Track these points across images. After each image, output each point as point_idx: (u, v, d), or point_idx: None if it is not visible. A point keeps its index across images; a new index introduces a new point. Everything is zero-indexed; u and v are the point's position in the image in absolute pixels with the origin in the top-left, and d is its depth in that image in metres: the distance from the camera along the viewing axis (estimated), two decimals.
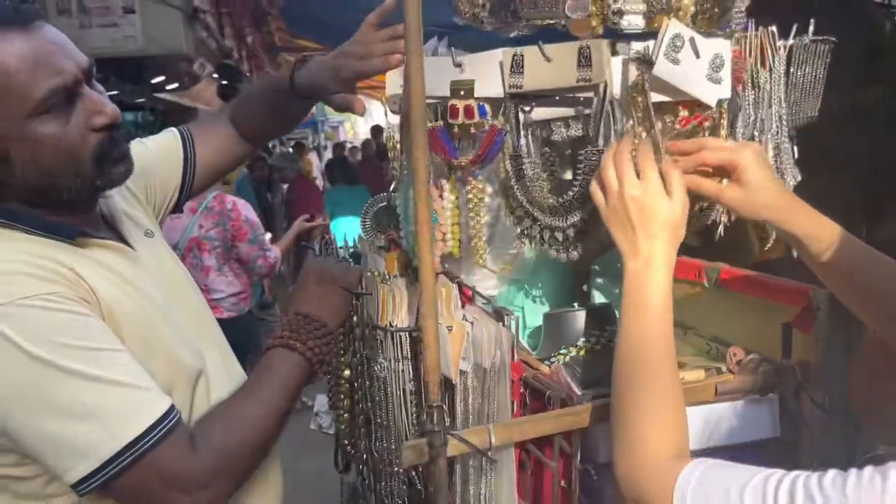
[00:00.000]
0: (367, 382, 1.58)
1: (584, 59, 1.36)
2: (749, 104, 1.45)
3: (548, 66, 1.39)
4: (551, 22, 1.47)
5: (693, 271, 1.62)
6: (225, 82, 8.30)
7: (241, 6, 8.26)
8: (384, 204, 2.24)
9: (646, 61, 1.35)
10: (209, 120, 1.71)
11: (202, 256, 3.84)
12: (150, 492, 1.12)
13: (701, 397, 1.31)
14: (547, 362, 1.44)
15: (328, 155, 13.80)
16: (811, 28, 1.43)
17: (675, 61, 1.34)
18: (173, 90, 8.09)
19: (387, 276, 1.64)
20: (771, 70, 1.44)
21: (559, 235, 1.39)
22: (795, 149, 1.52)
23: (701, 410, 1.32)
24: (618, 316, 1.56)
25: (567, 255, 1.41)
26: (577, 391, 1.28)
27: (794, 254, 1.48)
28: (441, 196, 1.47)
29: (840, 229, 1.13)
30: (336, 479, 2.02)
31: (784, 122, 1.48)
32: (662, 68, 1.33)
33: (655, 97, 1.36)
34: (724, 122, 1.44)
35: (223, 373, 1.43)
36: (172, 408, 1.15)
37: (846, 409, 1.30)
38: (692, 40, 1.34)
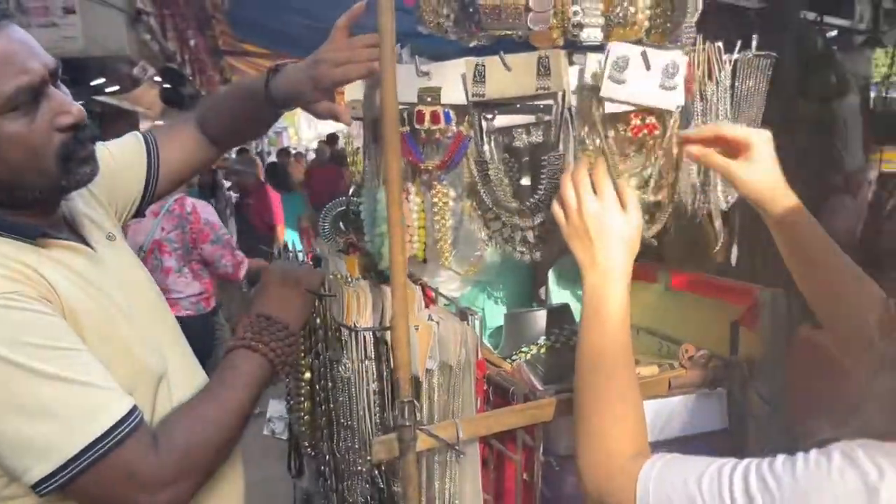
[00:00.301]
0: (330, 384, 1.59)
1: (544, 69, 1.42)
2: (698, 114, 1.54)
3: (509, 75, 1.44)
4: (509, 32, 1.53)
5: (646, 274, 1.70)
6: (167, 86, 8.14)
7: (185, 8, 8.14)
8: (343, 208, 2.26)
9: (594, 88, 1.44)
10: (175, 123, 1.69)
11: (163, 258, 3.89)
12: (112, 492, 1.11)
13: (655, 391, 1.38)
14: (509, 360, 1.49)
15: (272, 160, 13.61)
16: (754, 44, 1.53)
17: (620, 81, 1.42)
18: (113, 93, 7.89)
19: (349, 279, 1.66)
20: (717, 83, 1.52)
21: (528, 236, 1.44)
22: None
23: (655, 404, 1.39)
24: (576, 316, 1.63)
25: (531, 256, 1.46)
26: (539, 386, 1.33)
27: (733, 262, 1.58)
28: (407, 199, 1.50)
29: (816, 224, 1.23)
30: (286, 486, 2.02)
31: None
32: (609, 90, 1.41)
33: (612, 106, 1.44)
34: (675, 131, 1.51)
35: (185, 375, 1.42)
36: (135, 408, 1.15)
37: (787, 402, 1.39)
38: (643, 54, 1.42)
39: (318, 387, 1.66)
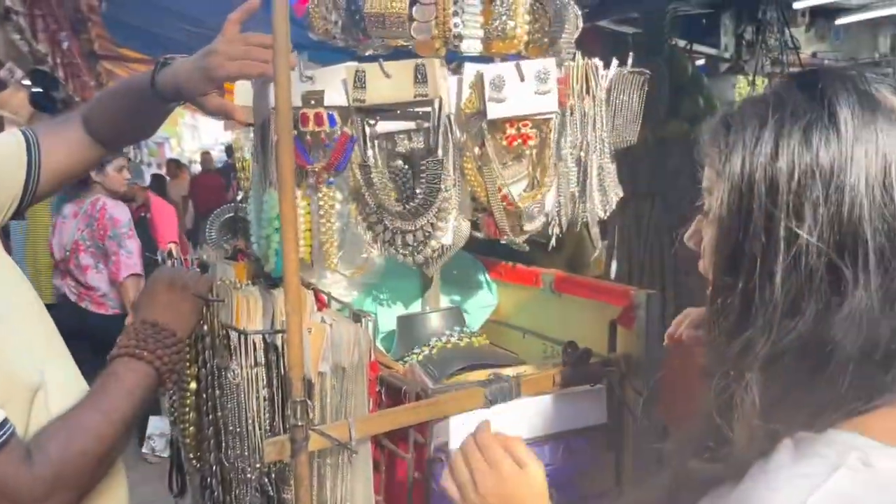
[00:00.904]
0: (218, 392, 1.57)
1: (421, 76, 1.47)
2: (577, 127, 1.62)
3: (388, 81, 1.48)
4: (404, 43, 1.57)
5: (531, 277, 1.77)
6: (37, 90, 7.66)
7: (58, 9, 7.70)
8: (231, 215, 2.22)
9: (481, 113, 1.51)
10: (58, 121, 1.60)
11: (80, 256, 3.93)
12: None
13: (540, 388, 1.44)
14: (401, 362, 1.51)
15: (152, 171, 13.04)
16: (630, 62, 1.64)
17: (501, 99, 1.49)
18: None
19: (238, 285, 1.64)
20: (594, 97, 1.61)
21: (409, 239, 1.48)
22: (614, 167, 1.70)
23: (540, 401, 1.45)
24: (466, 318, 1.67)
25: (413, 258, 1.50)
26: (431, 385, 1.36)
27: (612, 276, 1.68)
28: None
29: None
30: None
31: (606, 145, 1.65)
32: (494, 111, 1.49)
33: (492, 115, 1.50)
34: (550, 141, 1.58)
35: (66, 386, 1.36)
36: (5, 421, 1.09)
37: (661, 397, 1.48)
38: (517, 66, 1.49)
39: (204, 396, 1.63)
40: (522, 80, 1.50)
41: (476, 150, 1.53)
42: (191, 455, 1.78)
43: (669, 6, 3.58)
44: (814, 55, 4.49)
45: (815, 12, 4.27)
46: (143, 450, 2.60)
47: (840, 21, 4.39)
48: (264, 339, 1.46)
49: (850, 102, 0.70)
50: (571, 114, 1.61)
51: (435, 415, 1.33)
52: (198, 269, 1.89)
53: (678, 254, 3.45)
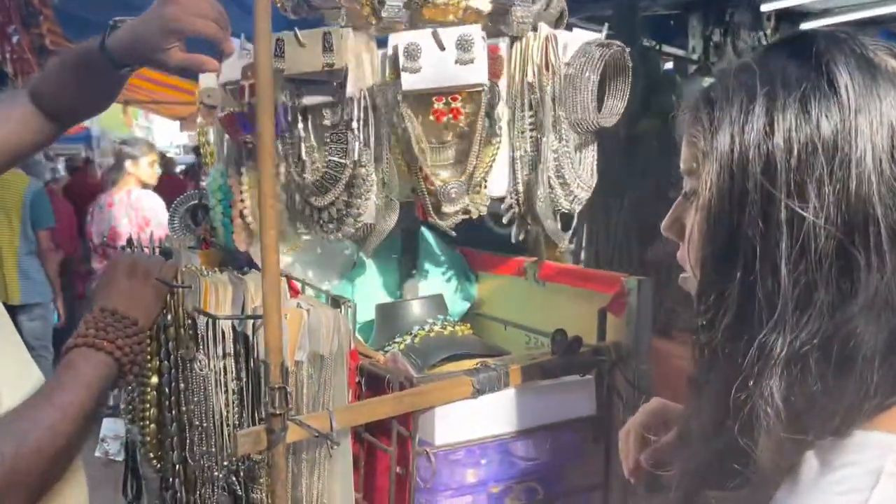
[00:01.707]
0: (182, 385, 1.47)
1: (328, 45, 1.39)
2: (538, 106, 1.47)
3: (302, 51, 1.40)
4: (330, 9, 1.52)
5: (514, 267, 1.70)
6: None
7: (8, 2, 7.44)
8: (195, 202, 2.12)
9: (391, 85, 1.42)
10: (4, 97, 1.48)
11: (117, 242, 4.12)
12: None
13: (528, 378, 1.37)
14: (382, 351, 1.43)
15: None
16: (604, 32, 1.56)
17: (416, 70, 1.39)
18: None
19: (205, 271, 1.55)
20: (553, 72, 1.47)
21: (325, 215, 1.44)
22: (585, 155, 1.57)
23: (529, 391, 1.38)
24: (449, 306, 1.60)
25: (335, 234, 1.46)
26: (415, 374, 1.29)
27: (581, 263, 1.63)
28: (240, 182, 1.51)
29: None
30: None
31: (565, 128, 1.48)
32: (409, 82, 1.39)
33: (408, 87, 1.41)
34: (481, 117, 1.42)
35: (18, 379, 1.25)
36: None
37: (652, 386, 1.43)
38: (434, 33, 1.39)
39: (167, 390, 1.53)
40: (443, 48, 1.38)
41: (404, 127, 1.43)
42: (151, 455, 1.67)
43: (640, 3, 3.56)
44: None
45: (781, 16, 4.32)
46: (97, 453, 2.45)
47: (804, 26, 4.45)
48: (234, 327, 1.38)
49: (849, 67, 0.63)
50: (511, 89, 1.49)
51: (420, 405, 1.25)
52: (160, 256, 1.79)
53: (650, 255, 3.43)
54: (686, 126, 0.71)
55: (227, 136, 1.68)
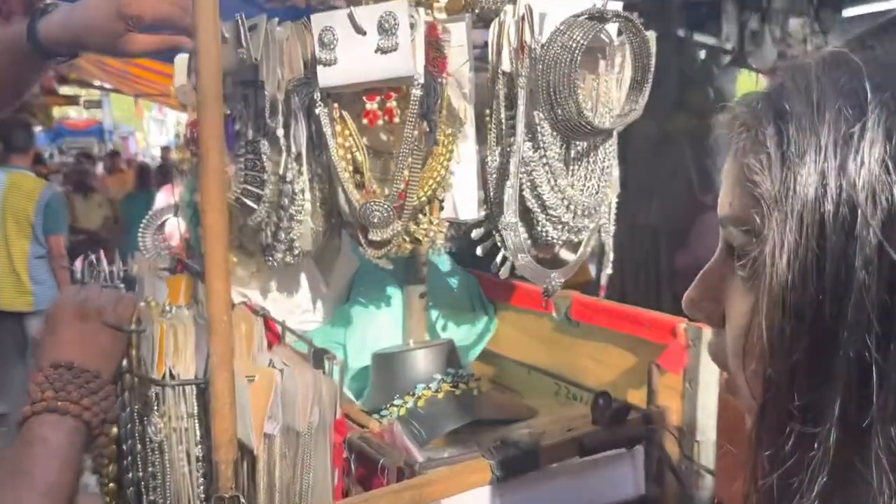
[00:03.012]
0: (139, 446, 1.23)
1: (243, 34, 1.17)
2: (514, 98, 1.13)
3: (224, 46, 1.15)
4: None
5: (539, 300, 1.41)
6: None
7: None
8: (169, 217, 1.86)
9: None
10: None
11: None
12: None
13: (564, 456, 1.08)
14: (377, 416, 1.15)
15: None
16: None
17: (331, 62, 1.09)
18: None
19: (168, 308, 1.29)
20: (534, 59, 1.09)
21: (262, 238, 1.28)
22: (606, 164, 1.23)
23: (563, 470, 1.10)
24: (462, 355, 1.31)
25: (272, 263, 1.27)
26: (419, 456, 1.00)
27: (603, 280, 1.31)
28: None
29: None
30: None
31: (543, 129, 1.13)
32: (325, 78, 1.10)
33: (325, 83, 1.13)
34: (409, 120, 1.11)
35: None
36: None
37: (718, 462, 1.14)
38: (350, 16, 1.09)
39: (124, 447, 1.28)
40: (362, 32, 1.08)
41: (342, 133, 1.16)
42: None
43: None
44: (816, 48, 4.23)
45: (822, 2, 3.99)
46: None
47: (847, 12, 4.11)
48: (197, 385, 1.12)
49: None
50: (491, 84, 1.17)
51: (425, 500, 0.97)
52: (121, 286, 1.53)
53: (678, 262, 3.15)
54: (735, 151, 0.46)
55: None
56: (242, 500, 0.81)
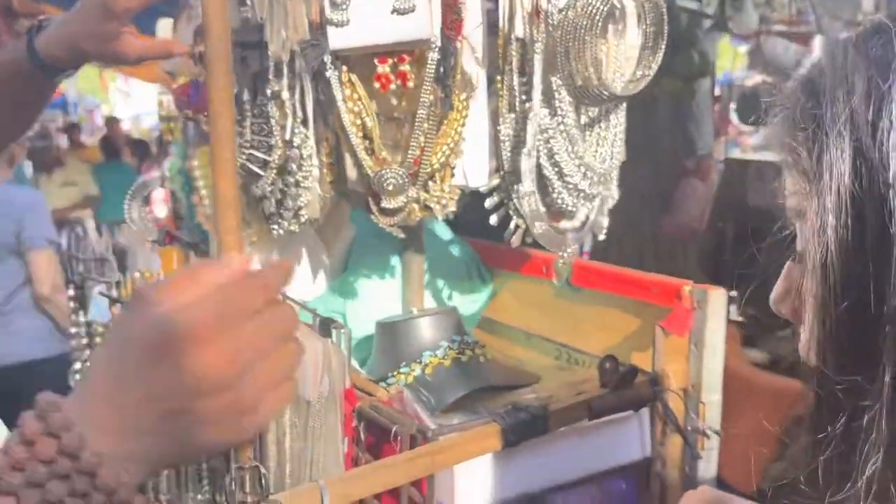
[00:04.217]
0: None
1: None
2: (514, 66, 1.12)
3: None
4: None
5: (539, 266, 1.41)
6: None
7: None
8: (155, 188, 1.82)
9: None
10: None
11: None
12: None
13: (572, 420, 1.08)
14: (383, 384, 1.14)
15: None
16: None
17: (344, 22, 1.06)
18: None
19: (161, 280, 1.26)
20: (547, 15, 1.07)
21: (264, 208, 1.22)
22: (617, 131, 1.24)
23: (570, 435, 1.10)
24: (465, 323, 1.31)
25: (276, 231, 1.23)
26: (430, 423, 1.00)
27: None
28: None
29: None
30: None
31: (561, 96, 1.12)
32: (336, 40, 1.07)
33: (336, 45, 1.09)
34: (426, 85, 1.09)
35: None
36: None
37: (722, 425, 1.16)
38: None
39: None
40: None
41: (354, 98, 1.12)
42: None
43: None
44: (798, 13, 4.21)
45: None
46: None
47: None
48: None
49: None
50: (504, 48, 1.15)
51: (439, 466, 0.96)
52: (112, 258, 1.50)
53: (662, 225, 3.15)
54: (782, 136, 0.45)
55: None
56: (263, 470, 0.80)
